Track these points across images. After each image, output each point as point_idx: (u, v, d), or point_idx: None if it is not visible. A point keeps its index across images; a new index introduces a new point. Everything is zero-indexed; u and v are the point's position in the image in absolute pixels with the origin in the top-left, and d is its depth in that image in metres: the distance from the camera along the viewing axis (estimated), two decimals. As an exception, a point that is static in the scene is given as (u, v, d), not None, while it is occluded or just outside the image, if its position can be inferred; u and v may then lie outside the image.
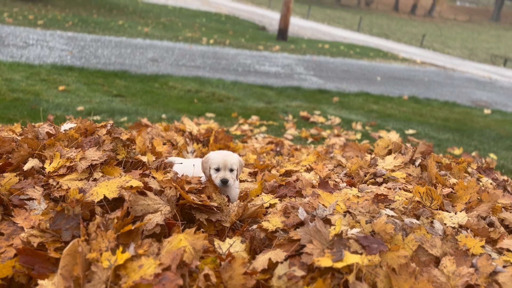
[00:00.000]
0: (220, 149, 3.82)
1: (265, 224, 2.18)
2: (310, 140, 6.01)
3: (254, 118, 7.19)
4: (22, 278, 1.91)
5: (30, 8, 19.17)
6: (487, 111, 10.83)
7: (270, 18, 31.90)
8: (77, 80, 8.83)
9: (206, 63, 12.65)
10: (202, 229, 2.38)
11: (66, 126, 2.75)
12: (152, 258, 1.86)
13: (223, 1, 41.37)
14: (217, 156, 2.67)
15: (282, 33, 20.38)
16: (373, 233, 2.05)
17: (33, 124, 2.98)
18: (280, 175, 3.41)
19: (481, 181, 3.07)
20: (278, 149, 4.78)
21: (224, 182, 2.58)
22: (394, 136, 3.29)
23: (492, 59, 27.89)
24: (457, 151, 5.98)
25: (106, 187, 2.21)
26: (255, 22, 27.59)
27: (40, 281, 1.78)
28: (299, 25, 30.03)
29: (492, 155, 6.27)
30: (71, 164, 2.39)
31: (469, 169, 3.21)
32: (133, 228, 2.01)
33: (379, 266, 1.89)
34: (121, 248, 1.88)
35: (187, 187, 2.42)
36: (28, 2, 21.11)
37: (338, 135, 6.12)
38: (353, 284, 1.73)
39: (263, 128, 6.43)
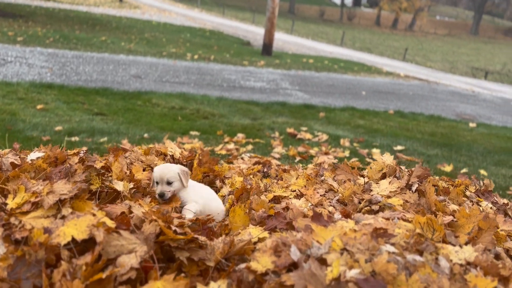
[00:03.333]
0: (204, 173, 3.60)
1: (253, 265, 1.96)
2: (298, 158, 5.82)
3: (240, 136, 6.99)
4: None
5: (10, 24, 18.81)
6: (472, 125, 10.84)
7: (255, 33, 31.99)
8: (57, 98, 8.54)
9: (190, 79, 12.47)
10: (183, 270, 2.15)
11: (33, 155, 2.51)
12: (126, 312, 1.63)
13: (207, 17, 41.46)
14: (156, 170, 2.73)
15: (267, 48, 20.37)
16: (373, 273, 1.85)
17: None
18: (269, 201, 3.20)
19: (480, 205, 2.91)
20: (265, 169, 4.57)
21: (161, 196, 2.63)
22: (388, 159, 3.12)
23: (473, 72, 28.34)
24: (447, 168, 5.86)
25: (74, 226, 1.97)
26: (239, 37, 27.60)
27: None
28: (283, 40, 30.15)
29: (482, 171, 6.18)
30: (37, 200, 2.15)
31: (467, 193, 3.05)
32: (104, 276, 1.77)
33: (382, 314, 1.69)
34: (89, 301, 1.65)
35: (176, 222, 2.19)
36: (8, 18, 20.74)
37: (326, 153, 5.96)
38: None
39: (249, 147, 6.24)
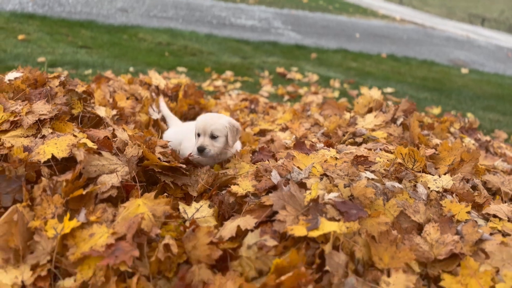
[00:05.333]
0: (190, 105, 3.56)
1: (234, 188, 1.98)
2: (286, 97, 5.77)
3: (228, 73, 6.87)
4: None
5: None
6: (464, 71, 10.77)
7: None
8: (39, 29, 8.21)
9: (178, 14, 12.03)
10: (166, 193, 2.17)
11: (11, 75, 2.43)
12: (106, 226, 1.65)
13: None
14: (199, 119, 2.36)
15: (260, -14, 19.57)
16: (352, 198, 1.88)
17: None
18: (254, 134, 3.20)
19: (463, 141, 2.94)
20: (252, 106, 4.54)
21: (200, 150, 2.28)
22: (375, 93, 3.09)
23: (470, 18, 27.78)
24: (436, 110, 5.88)
25: (55, 145, 1.95)
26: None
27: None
28: (277, -23, 28.93)
29: (469, 115, 6.21)
30: (16, 119, 2.10)
31: (452, 129, 3.07)
32: (84, 192, 1.78)
33: (358, 234, 1.73)
34: (68, 215, 1.65)
35: (158, 150, 2.18)
36: None
37: (315, 93, 5.90)
38: (329, 254, 1.57)
39: (238, 85, 6.14)
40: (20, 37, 7.41)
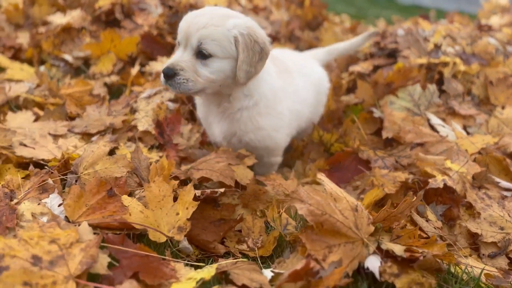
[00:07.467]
0: (313, 15, 3.83)
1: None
2: (401, 36, 5.81)
3: (343, 16, 7.01)
4: (143, 59, 2.19)
5: None
6: None
7: None
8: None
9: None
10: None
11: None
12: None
13: None
14: (186, 18, 1.48)
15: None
16: (473, 55, 2.05)
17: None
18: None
19: None
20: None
21: (167, 74, 1.37)
22: (502, 0, 3.08)
23: None
24: None
25: None
26: None
27: (159, 57, 2.04)
28: None
29: None
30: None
31: None
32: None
33: (476, 76, 1.91)
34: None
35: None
36: None
37: (432, 35, 5.84)
38: (448, 79, 1.78)
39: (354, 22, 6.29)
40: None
